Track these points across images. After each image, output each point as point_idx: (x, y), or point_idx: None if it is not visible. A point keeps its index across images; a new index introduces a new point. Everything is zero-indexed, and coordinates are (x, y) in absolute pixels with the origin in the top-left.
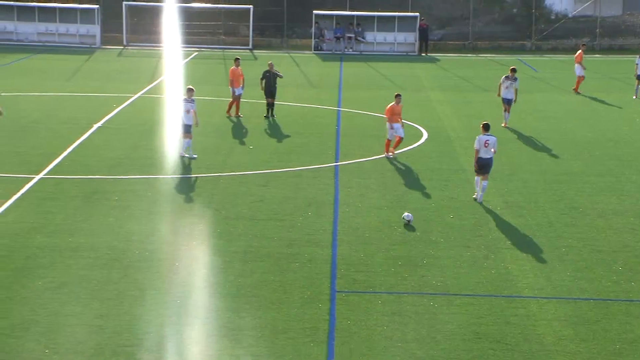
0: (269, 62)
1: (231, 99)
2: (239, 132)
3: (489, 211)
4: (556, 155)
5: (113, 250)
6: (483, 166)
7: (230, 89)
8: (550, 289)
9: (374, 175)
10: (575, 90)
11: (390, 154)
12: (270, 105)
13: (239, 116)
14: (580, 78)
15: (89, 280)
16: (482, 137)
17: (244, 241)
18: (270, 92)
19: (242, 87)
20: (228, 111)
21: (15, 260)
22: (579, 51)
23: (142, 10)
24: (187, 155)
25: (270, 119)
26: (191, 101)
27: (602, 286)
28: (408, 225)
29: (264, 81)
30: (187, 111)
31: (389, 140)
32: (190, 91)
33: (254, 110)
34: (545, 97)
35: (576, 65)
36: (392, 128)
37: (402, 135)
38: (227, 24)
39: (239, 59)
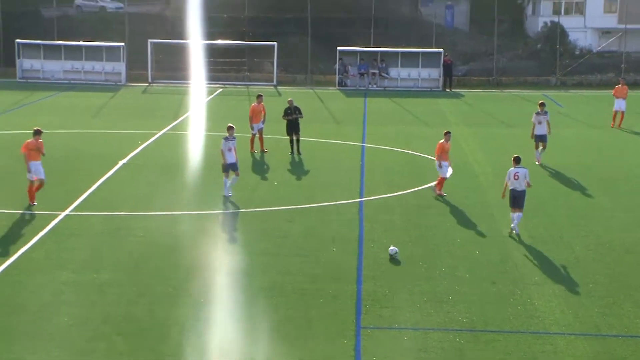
0: (289, 99)
1: (251, 136)
2: (263, 168)
3: (515, 247)
4: (582, 190)
5: (138, 287)
6: (515, 198)
7: (250, 126)
8: (577, 325)
9: (399, 210)
10: (618, 125)
11: (440, 192)
12: (293, 142)
13: (264, 151)
14: (620, 113)
15: (114, 316)
16: (512, 170)
17: (269, 277)
18: (292, 129)
19: (263, 122)
20: (251, 148)
21: (42, 297)
22: (619, 85)
23: (167, 47)
24: (230, 194)
25: (295, 155)
26: (232, 139)
27: (631, 322)
28: (393, 259)
29: (286, 118)
30: (229, 149)
31: (442, 178)
32: (230, 129)
33: (277, 146)
34: (571, 132)
35: (618, 99)
36: (440, 166)
37: (446, 176)
38: (251, 61)
39: (261, 95)
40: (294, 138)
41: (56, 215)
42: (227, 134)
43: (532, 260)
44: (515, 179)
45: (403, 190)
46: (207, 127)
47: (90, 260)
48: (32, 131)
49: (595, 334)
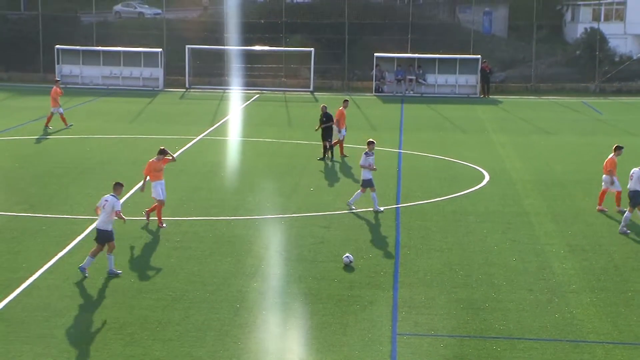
0: (322, 105)
1: (337, 140)
2: (300, 174)
3: (552, 254)
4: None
5: (174, 291)
6: (632, 197)
7: (336, 129)
8: (616, 334)
9: (435, 217)
10: None
11: (622, 208)
12: (326, 149)
13: (345, 156)
14: None
15: (151, 321)
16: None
17: (305, 283)
18: (325, 135)
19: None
20: (341, 152)
21: (79, 301)
22: None
23: (204, 53)
24: (381, 209)
25: (328, 161)
26: (372, 154)
27: None
28: (348, 266)
29: (322, 126)
30: (369, 165)
31: (618, 192)
32: (371, 144)
33: (315, 152)
34: (610, 140)
35: None
36: (612, 183)
37: (620, 189)
38: (288, 67)
39: (347, 100)
40: (327, 144)
41: (94, 220)
42: (367, 149)
43: (569, 268)
44: (630, 179)
45: (439, 197)
46: (244, 133)
47: (127, 265)
48: (157, 150)
49: (634, 343)
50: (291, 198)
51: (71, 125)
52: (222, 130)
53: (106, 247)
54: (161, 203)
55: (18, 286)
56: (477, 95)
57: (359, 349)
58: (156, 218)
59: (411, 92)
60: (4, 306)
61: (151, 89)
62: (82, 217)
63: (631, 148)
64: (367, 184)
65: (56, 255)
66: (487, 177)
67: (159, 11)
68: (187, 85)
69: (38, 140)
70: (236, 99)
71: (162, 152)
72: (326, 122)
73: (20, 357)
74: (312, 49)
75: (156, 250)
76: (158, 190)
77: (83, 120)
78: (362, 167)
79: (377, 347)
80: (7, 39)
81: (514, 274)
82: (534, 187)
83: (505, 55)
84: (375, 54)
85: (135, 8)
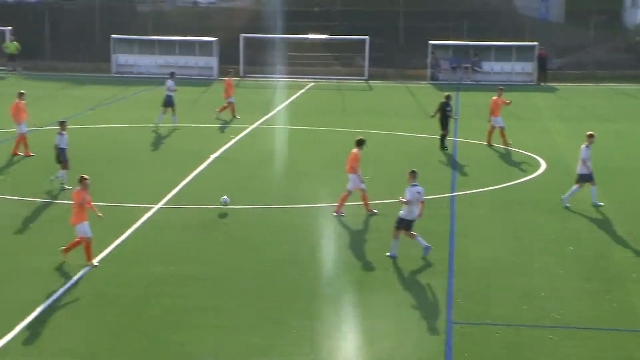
0: (447, 94)
1: (490, 129)
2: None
3: (610, 243)
4: None
5: (229, 279)
6: None
7: (492, 119)
8: None
9: (490, 206)
10: None
11: None
12: (445, 137)
13: (509, 144)
14: None
15: (204, 308)
16: None
17: (360, 272)
18: (444, 124)
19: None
20: (489, 141)
21: (134, 289)
22: None
23: (258, 41)
24: (600, 204)
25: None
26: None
27: None
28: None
29: (438, 113)
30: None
31: None
32: (591, 137)
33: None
34: None
35: None
36: None
37: None
38: (342, 55)
39: (502, 89)
40: (443, 133)
41: (149, 209)
42: (586, 142)
43: (629, 257)
44: None
45: (495, 186)
46: (299, 122)
47: (181, 253)
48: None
49: None
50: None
51: (238, 117)
52: (276, 119)
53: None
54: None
55: (75, 274)
56: (534, 83)
57: (414, 337)
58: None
59: (467, 79)
60: (62, 293)
61: (206, 77)
62: (137, 205)
63: None
64: (586, 178)
65: (112, 243)
66: (543, 165)
67: (214, 0)
68: (241, 74)
69: (95, 130)
70: (290, 87)
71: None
72: (449, 111)
73: (76, 343)
74: (366, 37)
75: (209, 239)
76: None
77: (138, 110)
78: (584, 160)
79: (432, 335)
80: (63, 29)
81: (571, 262)
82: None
83: (562, 42)
84: (430, 42)
85: None
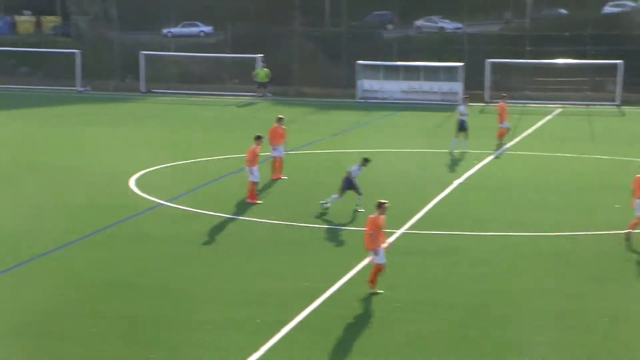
0: None
1: None
2: (602, 190)
3: None
4: None
5: (470, 308)
6: None
7: None
8: None
9: None
10: None
11: None
12: None
13: None
14: None
15: (449, 336)
16: None
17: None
18: None
19: None
20: None
21: (377, 313)
22: None
23: (504, 67)
24: None
25: None
26: None
27: None
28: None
29: None
30: None
31: None
32: None
33: (620, 168)
34: None
35: None
36: None
37: None
38: (593, 80)
39: None
40: None
41: (392, 233)
42: None
43: None
44: None
45: None
46: (545, 148)
47: (420, 279)
48: None
49: None
50: (595, 214)
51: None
52: (522, 145)
53: None
54: None
55: (320, 296)
56: None
57: None
58: None
59: None
60: (307, 315)
61: (450, 103)
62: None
63: None
64: None
65: (356, 266)
66: None
67: (460, 25)
68: (486, 99)
69: (338, 155)
70: (536, 113)
71: None
72: None
73: None
74: (619, 61)
75: (453, 266)
76: None
77: (381, 134)
78: None
79: None
80: (310, 56)
81: None
82: None
83: None
84: None
85: (436, 23)
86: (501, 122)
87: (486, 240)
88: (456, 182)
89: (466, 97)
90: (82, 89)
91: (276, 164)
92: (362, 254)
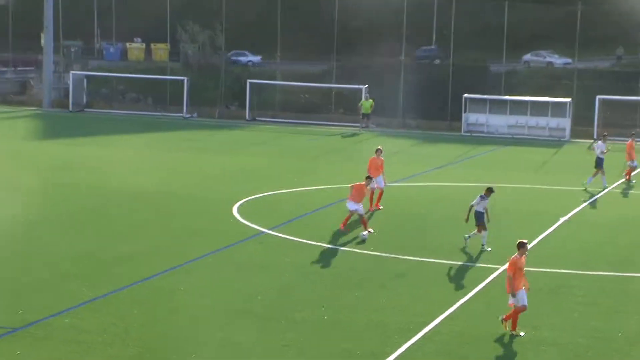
0: None
1: None
2: None
3: None
4: None
5: (576, 347)
6: None
7: None
8: None
9: None
10: None
11: None
12: None
13: None
14: None
15: None
16: None
17: None
18: None
19: None
20: None
21: (480, 349)
22: None
23: (615, 103)
24: None
25: None
26: None
27: None
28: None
29: None
30: None
31: None
32: None
33: None
34: None
35: None
36: None
37: None
38: None
39: None
40: None
41: (495, 269)
42: None
43: None
44: None
45: None
46: None
47: (528, 317)
48: None
49: None
50: None
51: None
52: (634, 184)
53: None
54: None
55: (419, 330)
56: None
57: None
58: None
59: None
60: (405, 349)
61: (557, 139)
62: (483, 265)
63: None
64: None
65: (458, 301)
66: None
67: (569, 60)
68: (594, 137)
69: (441, 188)
70: None
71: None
72: None
73: None
74: None
75: (559, 304)
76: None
77: (485, 169)
78: None
79: None
80: (416, 88)
81: None
82: None
83: None
84: None
85: (545, 57)
86: (630, 160)
87: (592, 279)
88: (562, 219)
89: (605, 135)
90: (188, 115)
91: (373, 195)
92: (465, 289)
